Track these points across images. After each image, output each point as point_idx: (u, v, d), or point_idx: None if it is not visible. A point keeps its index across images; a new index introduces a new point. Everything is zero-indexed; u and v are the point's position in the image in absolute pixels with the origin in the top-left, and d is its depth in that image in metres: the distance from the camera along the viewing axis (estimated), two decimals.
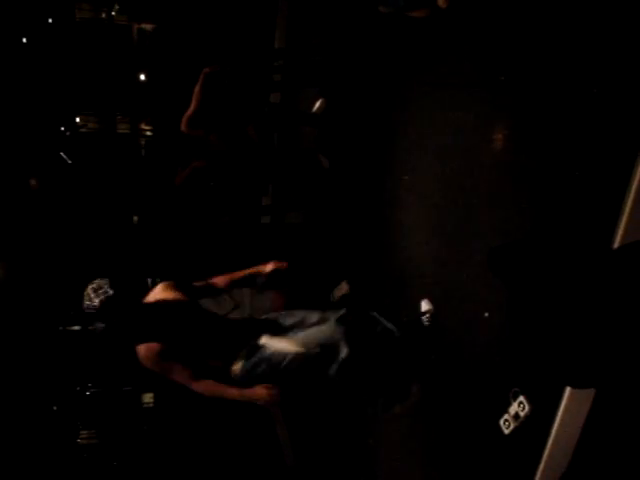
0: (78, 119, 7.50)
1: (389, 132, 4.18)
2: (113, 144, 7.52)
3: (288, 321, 3.13)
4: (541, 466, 2.64)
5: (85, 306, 2.86)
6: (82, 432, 8.45)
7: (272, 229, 6.00)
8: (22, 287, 6.77)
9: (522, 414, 2.74)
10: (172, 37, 7.30)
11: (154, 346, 2.88)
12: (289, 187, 5.55)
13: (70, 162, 7.01)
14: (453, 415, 3.36)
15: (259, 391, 2.91)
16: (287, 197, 5.64)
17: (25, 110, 6.98)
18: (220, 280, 3.22)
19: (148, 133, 8.12)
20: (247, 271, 3.27)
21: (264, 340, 3.01)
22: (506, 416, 2.83)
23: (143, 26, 9.32)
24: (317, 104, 5.11)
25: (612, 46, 2.40)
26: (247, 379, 2.98)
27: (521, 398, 2.75)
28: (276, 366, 2.97)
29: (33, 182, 6.92)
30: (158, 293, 3.02)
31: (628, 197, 2.26)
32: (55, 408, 7.34)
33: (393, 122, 4.13)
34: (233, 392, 2.95)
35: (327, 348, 3.00)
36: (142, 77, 8.62)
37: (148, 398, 8.21)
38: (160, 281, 3.09)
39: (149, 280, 4.78)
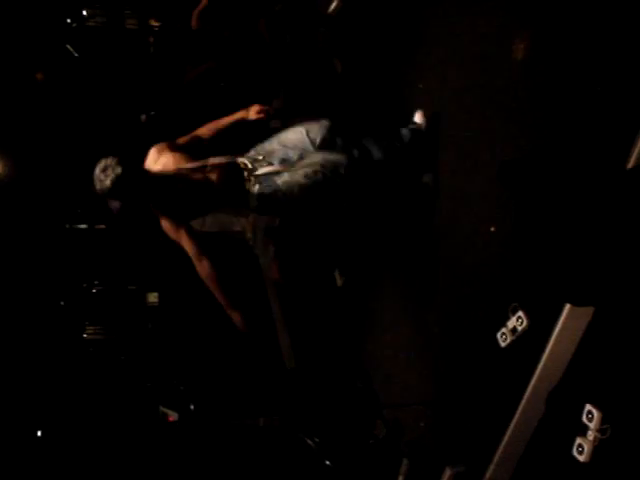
0: (85, 12, 7.23)
1: (406, 38, 4.02)
2: (121, 39, 7.28)
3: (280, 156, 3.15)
4: (533, 380, 2.70)
5: (97, 189, 2.84)
6: (88, 327, 8.70)
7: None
8: (26, 183, 6.76)
9: (520, 328, 2.77)
10: None
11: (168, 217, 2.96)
12: (301, 90, 5.40)
13: (76, 55, 6.82)
14: (452, 327, 3.41)
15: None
16: (298, 100, 5.51)
17: (31, 1, 6.75)
18: (205, 130, 3.20)
19: (157, 29, 7.85)
20: (231, 118, 3.24)
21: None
22: (504, 329, 2.86)
23: None
24: (333, 4, 4.91)
25: None
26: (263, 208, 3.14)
27: (520, 313, 2.77)
28: (288, 195, 3.05)
29: (39, 75, 6.77)
30: (157, 158, 3.02)
31: None
32: (62, 303, 7.50)
33: (410, 28, 3.97)
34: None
35: (327, 167, 3.08)
36: None
37: (153, 297, 8.34)
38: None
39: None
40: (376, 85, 4.46)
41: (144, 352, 7.07)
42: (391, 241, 4.08)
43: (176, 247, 3.14)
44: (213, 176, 3.04)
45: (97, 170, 2.82)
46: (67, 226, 7.86)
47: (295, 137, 3.19)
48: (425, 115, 3.51)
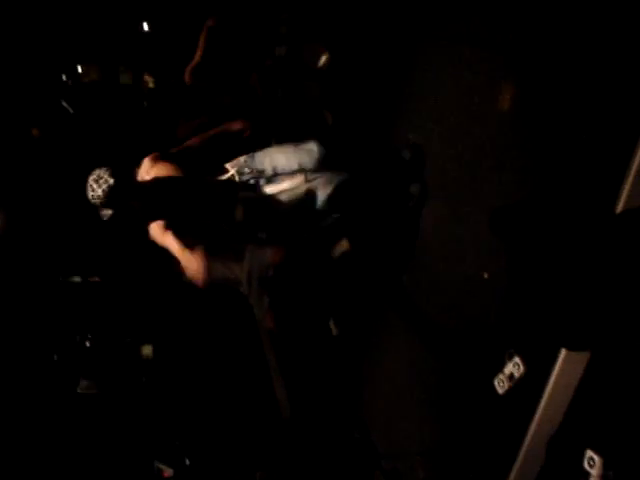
0: (80, 68, 7.37)
1: (396, 89, 4.11)
2: (115, 95, 7.41)
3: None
4: (532, 426, 2.68)
5: (89, 197, 2.96)
6: (82, 382, 8.57)
7: None
8: (22, 237, 6.77)
9: (517, 375, 2.76)
10: None
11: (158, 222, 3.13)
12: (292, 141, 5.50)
13: (72, 111, 6.93)
14: (448, 373, 3.39)
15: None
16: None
17: (27, 57, 6.88)
18: (195, 141, 3.36)
19: (151, 85, 8.00)
20: (216, 130, 3.33)
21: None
22: (501, 376, 2.85)
23: None
24: (322, 59, 5.02)
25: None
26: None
27: (516, 359, 2.76)
28: (274, 206, 3.24)
29: (35, 131, 6.85)
30: (150, 168, 3.11)
31: (634, 162, 2.24)
32: (55, 357, 7.42)
33: (400, 79, 4.06)
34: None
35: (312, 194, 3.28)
36: (145, 27, 8.44)
37: (147, 350, 8.26)
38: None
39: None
40: (366, 136, 4.54)
41: (139, 406, 6.96)
42: (384, 276, 4.11)
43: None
44: (203, 185, 3.19)
45: (90, 179, 2.95)
46: (60, 279, 7.84)
47: (286, 163, 3.28)
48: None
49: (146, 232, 3.28)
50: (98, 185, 2.92)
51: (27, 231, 6.83)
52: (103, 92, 7.48)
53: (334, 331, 4.87)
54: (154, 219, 3.15)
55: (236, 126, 3.36)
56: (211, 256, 4.51)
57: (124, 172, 3.04)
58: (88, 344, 8.22)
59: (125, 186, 2.99)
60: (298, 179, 3.32)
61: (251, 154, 3.34)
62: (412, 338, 3.81)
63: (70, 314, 7.72)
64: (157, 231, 3.17)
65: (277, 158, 3.33)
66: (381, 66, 4.36)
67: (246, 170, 3.27)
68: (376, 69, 4.44)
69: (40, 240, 7.02)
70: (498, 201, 2.93)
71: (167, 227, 3.16)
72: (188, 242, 3.19)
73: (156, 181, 3.11)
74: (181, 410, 6.37)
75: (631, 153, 2.23)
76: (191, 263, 3.16)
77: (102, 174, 2.94)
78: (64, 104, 6.88)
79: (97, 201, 2.96)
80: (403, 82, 4.01)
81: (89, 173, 2.98)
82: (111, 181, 2.91)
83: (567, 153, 2.56)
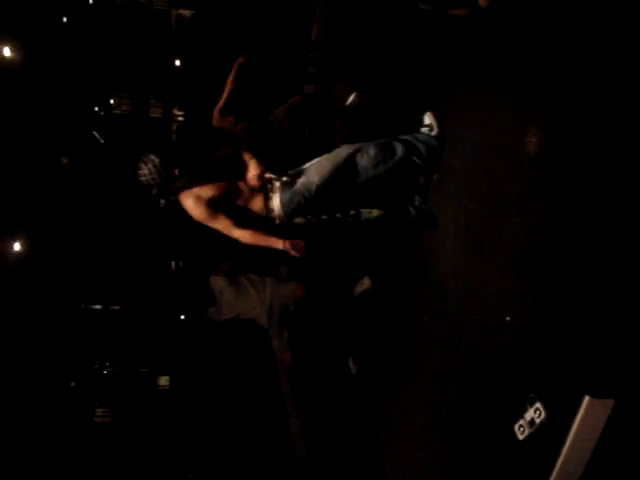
0: (112, 100, 7.56)
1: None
2: (145, 127, 7.58)
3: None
4: (553, 475, 2.62)
5: (138, 175, 3.44)
6: (98, 410, 8.57)
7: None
8: (48, 265, 6.86)
9: (538, 421, 2.71)
10: (209, 24, 7.34)
11: (204, 195, 3.50)
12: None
13: (102, 142, 7.09)
14: (468, 418, 3.34)
15: (296, 242, 3.52)
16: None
17: (61, 88, 7.07)
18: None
19: (180, 119, 8.17)
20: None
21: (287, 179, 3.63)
22: (521, 421, 2.80)
23: (182, 12, 9.37)
24: (350, 98, 5.09)
25: None
26: (288, 213, 3.63)
27: (538, 404, 2.72)
28: (307, 194, 3.58)
29: (65, 160, 7.01)
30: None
31: None
32: (73, 384, 7.44)
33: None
34: (271, 238, 3.53)
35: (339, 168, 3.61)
36: (177, 63, 8.66)
37: (164, 381, 8.27)
38: None
39: None
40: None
41: (153, 436, 6.94)
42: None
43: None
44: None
45: (140, 163, 3.44)
46: (82, 306, 7.91)
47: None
48: (435, 116, 3.82)
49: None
50: (145, 164, 3.41)
51: (51, 257, 6.93)
52: (133, 124, 7.65)
53: (353, 370, 4.84)
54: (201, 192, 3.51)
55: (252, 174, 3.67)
56: (233, 285, 4.58)
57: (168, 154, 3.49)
58: (105, 372, 8.23)
59: (169, 163, 3.44)
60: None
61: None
62: (431, 379, 3.77)
63: (89, 342, 7.77)
64: (197, 203, 3.49)
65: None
66: (408, 105, 4.41)
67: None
68: (403, 108, 4.49)
69: (64, 267, 7.12)
70: (521, 243, 2.93)
71: (213, 205, 3.51)
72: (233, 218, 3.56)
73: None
74: (195, 442, 6.33)
75: None
76: (241, 234, 3.54)
77: (149, 156, 3.42)
78: (95, 134, 7.04)
79: (144, 178, 3.42)
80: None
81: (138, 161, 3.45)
82: (157, 160, 3.41)
83: (592, 197, 2.56)
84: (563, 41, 2.83)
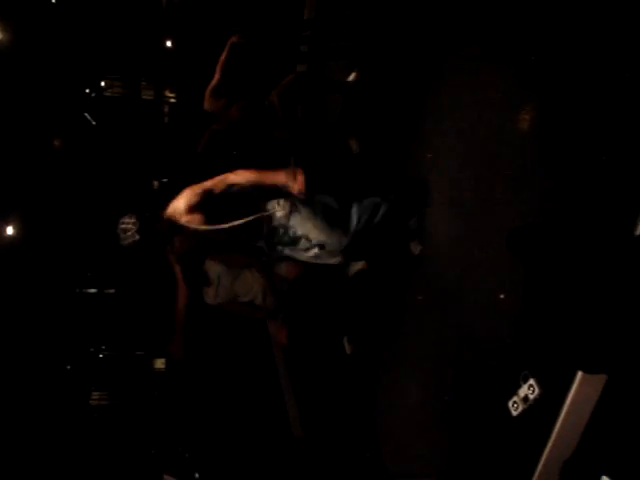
0: (103, 82, 7.49)
1: (416, 109, 4.13)
2: (137, 109, 7.52)
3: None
4: (546, 450, 2.64)
5: (120, 243, 3.13)
6: (94, 393, 8.59)
7: None
8: (42, 249, 6.83)
9: (531, 397, 2.73)
10: (201, 4, 7.26)
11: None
12: (316, 171, 5.56)
13: (94, 123, 7.04)
14: (463, 395, 3.36)
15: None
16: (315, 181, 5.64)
17: (51, 70, 7.00)
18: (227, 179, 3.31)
19: (172, 100, 8.10)
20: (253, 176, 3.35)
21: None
22: (515, 398, 2.82)
23: None
24: (352, 75, 5.05)
25: None
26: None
27: (531, 381, 2.74)
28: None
29: (56, 142, 6.96)
30: (184, 214, 3.20)
31: None
32: (68, 368, 7.45)
33: (421, 98, 4.08)
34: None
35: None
36: (169, 44, 8.57)
37: (160, 363, 8.28)
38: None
39: None
40: (387, 156, 4.56)
41: (149, 418, 6.97)
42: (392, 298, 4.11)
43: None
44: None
45: (119, 229, 3.11)
46: (77, 290, 7.90)
47: (315, 237, 3.43)
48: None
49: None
50: (126, 237, 3.09)
51: (44, 242, 6.91)
52: (125, 106, 7.59)
53: (348, 349, 4.85)
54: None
55: (279, 179, 3.35)
56: (228, 270, 4.57)
57: (150, 227, 3.15)
58: (101, 355, 8.24)
59: (151, 240, 3.16)
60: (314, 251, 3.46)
61: (290, 211, 3.39)
62: (426, 358, 3.78)
63: (85, 325, 7.77)
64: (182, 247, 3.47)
65: (311, 230, 3.40)
66: (400, 86, 4.39)
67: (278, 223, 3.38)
68: (395, 89, 4.47)
69: (57, 251, 7.09)
70: (515, 221, 2.92)
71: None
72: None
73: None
74: (191, 423, 6.36)
75: None
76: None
77: (130, 226, 3.08)
78: (86, 116, 6.99)
79: (127, 248, 3.12)
80: (422, 101, 4.03)
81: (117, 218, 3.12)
82: (137, 237, 3.08)
83: (585, 174, 2.55)
84: (558, 18, 2.81)
